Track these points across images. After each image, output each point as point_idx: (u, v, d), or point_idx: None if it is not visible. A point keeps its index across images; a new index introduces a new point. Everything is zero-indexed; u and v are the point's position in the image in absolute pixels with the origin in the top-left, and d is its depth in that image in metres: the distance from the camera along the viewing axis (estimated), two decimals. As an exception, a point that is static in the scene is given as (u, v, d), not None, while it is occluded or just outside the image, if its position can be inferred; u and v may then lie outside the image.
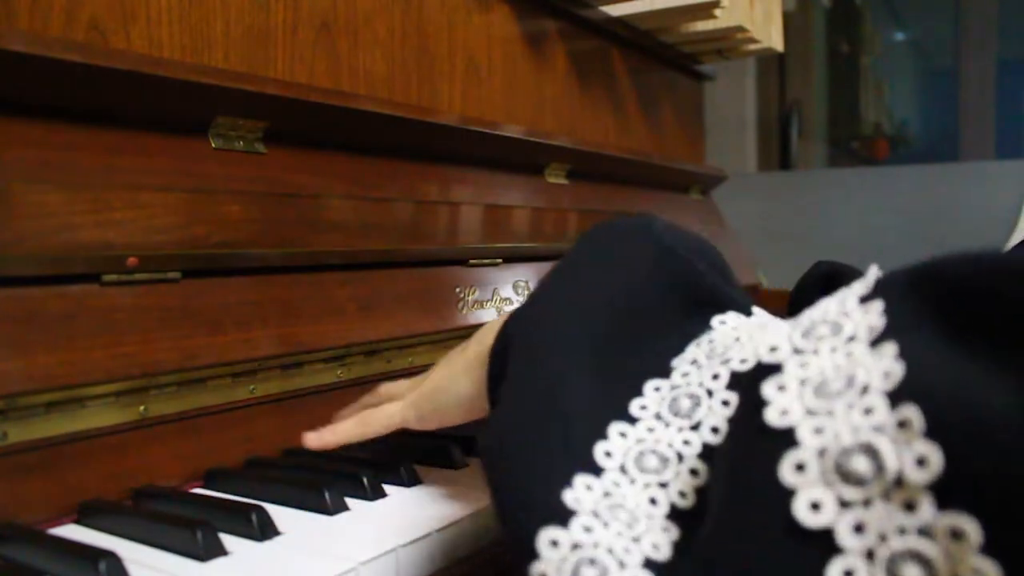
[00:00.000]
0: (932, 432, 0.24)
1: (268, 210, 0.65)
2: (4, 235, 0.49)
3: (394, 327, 0.72)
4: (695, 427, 0.32)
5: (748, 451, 0.28)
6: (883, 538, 0.24)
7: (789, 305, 0.72)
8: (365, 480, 0.53)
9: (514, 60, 1.10)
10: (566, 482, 0.31)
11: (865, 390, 0.26)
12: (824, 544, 0.25)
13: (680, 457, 0.32)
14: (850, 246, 1.99)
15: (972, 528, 0.23)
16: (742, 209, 1.86)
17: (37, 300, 0.50)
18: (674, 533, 0.30)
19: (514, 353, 0.38)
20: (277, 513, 0.49)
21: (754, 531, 0.26)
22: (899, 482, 0.24)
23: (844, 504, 0.25)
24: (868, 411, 0.26)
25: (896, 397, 0.25)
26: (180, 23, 0.68)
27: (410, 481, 0.55)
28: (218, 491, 0.55)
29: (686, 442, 0.32)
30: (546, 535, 0.30)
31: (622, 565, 0.29)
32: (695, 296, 0.38)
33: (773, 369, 0.29)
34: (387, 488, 0.54)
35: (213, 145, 0.66)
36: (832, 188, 2.05)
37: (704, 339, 0.35)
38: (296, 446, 0.64)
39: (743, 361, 0.32)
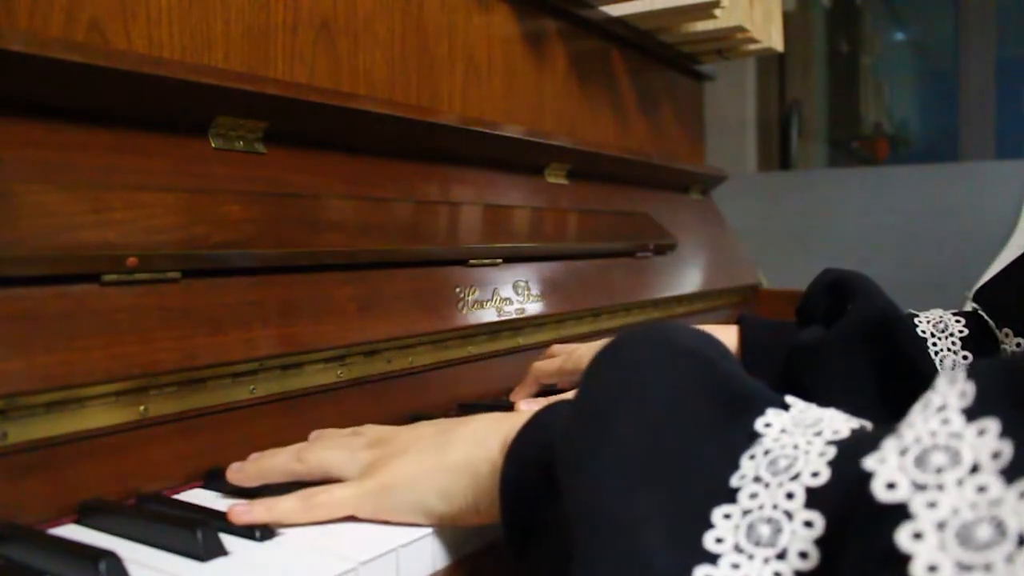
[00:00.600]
0: None
1: (268, 210, 0.65)
2: (4, 235, 0.49)
3: (394, 327, 0.72)
4: (781, 555, 0.30)
5: None
6: None
7: (797, 313, 0.71)
8: (365, 480, 0.53)
9: (514, 60, 1.10)
10: None
11: (1022, 541, 0.24)
12: None
13: None
14: (850, 246, 1.99)
15: None
16: (742, 209, 1.86)
17: (37, 300, 0.50)
18: None
19: (571, 493, 0.35)
20: (277, 513, 0.49)
21: None
22: None
23: None
24: None
25: None
26: (180, 23, 0.68)
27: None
28: (218, 491, 0.55)
29: (777, 574, 0.30)
30: None
31: None
32: (729, 400, 0.36)
33: (900, 512, 0.26)
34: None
35: (213, 145, 0.66)
36: (832, 188, 2.05)
37: (758, 451, 0.34)
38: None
39: (815, 475, 0.31)
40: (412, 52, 0.92)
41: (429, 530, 0.47)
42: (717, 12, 1.25)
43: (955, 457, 0.27)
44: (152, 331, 0.55)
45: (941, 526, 0.25)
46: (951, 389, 0.28)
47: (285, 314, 0.64)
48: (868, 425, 0.35)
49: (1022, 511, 0.24)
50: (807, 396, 0.62)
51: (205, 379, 0.58)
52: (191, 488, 0.56)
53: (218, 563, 0.43)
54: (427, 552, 0.47)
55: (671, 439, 0.34)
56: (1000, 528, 0.24)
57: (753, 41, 1.46)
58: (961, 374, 0.29)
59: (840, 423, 0.34)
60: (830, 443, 0.32)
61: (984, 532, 0.25)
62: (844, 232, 2.01)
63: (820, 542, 0.29)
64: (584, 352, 0.75)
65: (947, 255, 1.88)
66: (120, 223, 0.55)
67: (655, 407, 0.35)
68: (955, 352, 0.62)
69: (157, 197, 0.58)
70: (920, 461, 0.27)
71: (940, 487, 0.26)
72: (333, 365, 0.67)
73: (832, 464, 0.31)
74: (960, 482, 0.26)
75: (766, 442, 0.34)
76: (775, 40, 1.53)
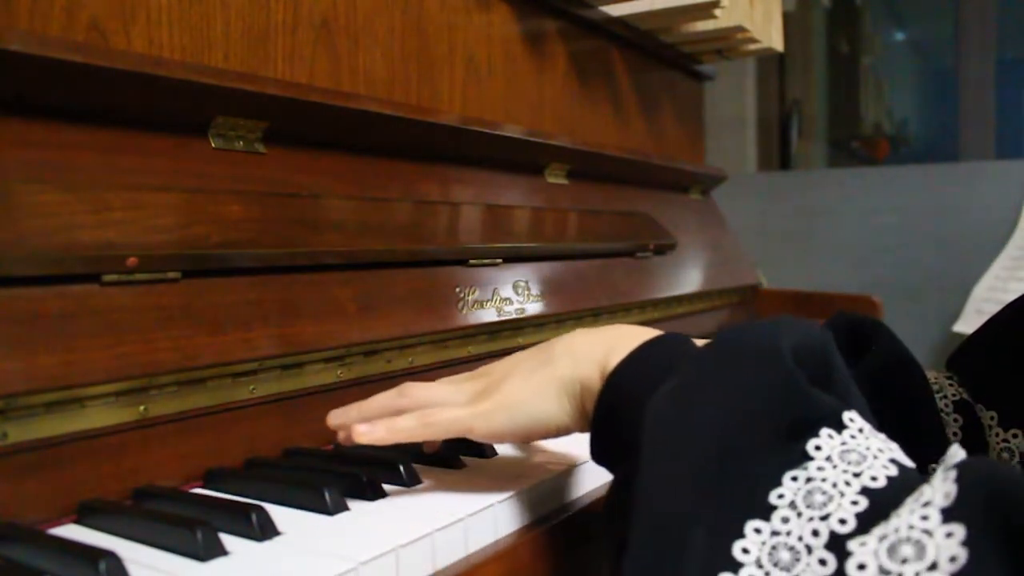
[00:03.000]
0: None
1: (268, 210, 0.65)
2: (4, 235, 0.49)
3: (394, 327, 0.72)
4: None
5: None
6: None
7: None
8: (365, 480, 0.53)
9: (514, 60, 1.10)
10: None
11: None
12: None
13: None
14: (850, 246, 1.99)
15: None
16: (742, 209, 1.86)
17: (37, 300, 0.50)
18: None
19: (640, 484, 0.39)
20: (277, 513, 0.49)
21: None
22: None
23: None
24: None
25: None
26: (180, 23, 0.68)
27: (410, 481, 0.55)
28: (218, 491, 0.55)
29: None
30: None
31: None
32: (795, 417, 0.39)
33: None
34: (387, 488, 0.54)
35: (213, 145, 0.66)
36: (832, 188, 2.06)
37: (801, 475, 0.37)
38: (296, 446, 0.64)
39: (842, 522, 0.34)
40: (412, 52, 0.92)
41: (429, 530, 0.47)
42: (717, 12, 1.25)
43: (920, 552, 0.31)
44: (152, 331, 0.55)
45: None
46: (940, 486, 0.32)
47: (285, 314, 0.64)
48: (910, 468, 0.37)
49: None
50: None
51: (205, 379, 0.58)
52: (191, 488, 0.56)
53: (218, 563, 0.42)
54: (427, 552, 0.47)
55: (734, 445, 0.38)
56: None
57: (753, 41, 1.46)
58: (952, 473, 0.32)
59: (880, 468, 0.36)
60: (863, 491, 0.35)
61: None
62: (844, 232, 2.01)
63: None
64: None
65: (947, 255, 1.88)
66: (120, 223, 0.55)
67: (735, 409, 0.39)
68: (948, 414, 0.64)
69: (157, 197, 0.58)
70: (892, 550, 0.31)
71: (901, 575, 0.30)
72: (333, 365, 0.67)
73: (858, 517, 0.34)
74: (917, 575, 0.30)
75: (811, 468, 0.37)
76: (775, 40, 1.53)
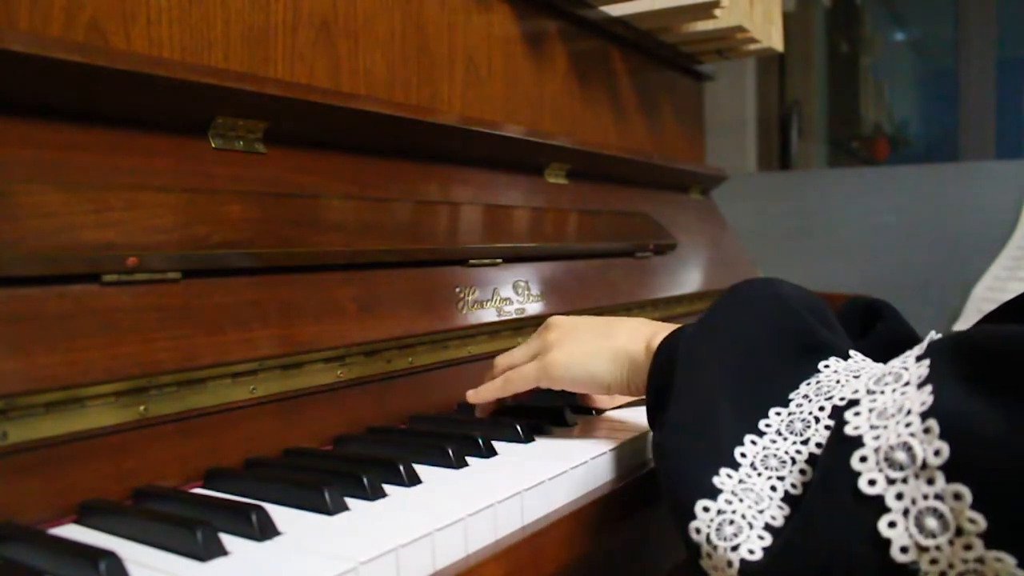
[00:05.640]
0: (944, 435, 0.39)
1: (268, 210, 0.65)
2: (4, 235, 0.49)
3: (394, 327, 0.72)
4: (805, 442, 0.47)
5: (832, 452, 0.43)
6: (914, 501, 0.39)
7: None
8: (365, 480, 0.53)
9: (514, 60, 1.10)
10: (715, 472, 0.47)
11: (908, 412, 0.41)
12: (877, 506, 0.40)
13: (793, 460, 0.47)
14: (850, 246, 1.99)
15: (967, 492, 0.37)
16: (742, 209, 1.86)
17: (37, 300, 0.50)
18: (786, 510, 0.45)
19: (681, 375, 0.52)
20: (277, 513, 0.49)
21: (834, 498, 0.41)
22: (924, 466, 0.39)
23: (890, 481, 0.40)
24: (908, 424, 0.40)
25: (925, 416, 0.40)
26: (180, 23, 0.68)
27: (410, 481, 0.55)
28: (218, 491, 0.55)
29: (798, 451, 0.47)
30: (700, 504, 0.46)
31: (751, 526, 0.45)
32: (806, 344, 0.52)
33: (853, 402, 0.44)
34: (387, 488, 0.54)
35: (213, 145, 0.66)
36: (832, 188, 2.05)
37: (813, 380, 0.50)
38: (296, 446, 0.64)
39: (842, 399, 0.46)
40: (412, 52, 0.92)
41: (429, 530, 0.47)
42: (717, 12, 1.25)
43: (897, 378, 0.43)
44: (152, 331, 0.55)
45: (877, 450, 0.41)
46: (916, 348, 0.44)
47: (285, 314, 0.64)
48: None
49: (924, 438, 0.39)
50: None
51: (205, 379, 0.58)
52: (191, 488, 0.56)
53: (218, 563, 0.43)
54: (427, 552, 0.47)
55: (758, 360, 0.51)
56: (911, 452, 0.39)
57: (753, 41, 1.46)
58: (926, 340, 0.44)
59: (876, 371, 0.46)
60: (856, 387, 0.46)
61: (900, 455, 0.40)
62: (844, 232, 2.01)
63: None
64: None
65: (947, 255, 1.88)
66: (120, 223, 0.55)
67: (753, 337, 0.53)
68: None
69: (157, 197, 0.58)
70: (877, 380, 0.44)
71: (886, 428, 0.41)
72: (333, 365, 0.67)
73: (855, 393, 0.45)
74: (897, 422, 0.41)
75: (821, 376, 0.50)
76: (775, 40, 1.53)
